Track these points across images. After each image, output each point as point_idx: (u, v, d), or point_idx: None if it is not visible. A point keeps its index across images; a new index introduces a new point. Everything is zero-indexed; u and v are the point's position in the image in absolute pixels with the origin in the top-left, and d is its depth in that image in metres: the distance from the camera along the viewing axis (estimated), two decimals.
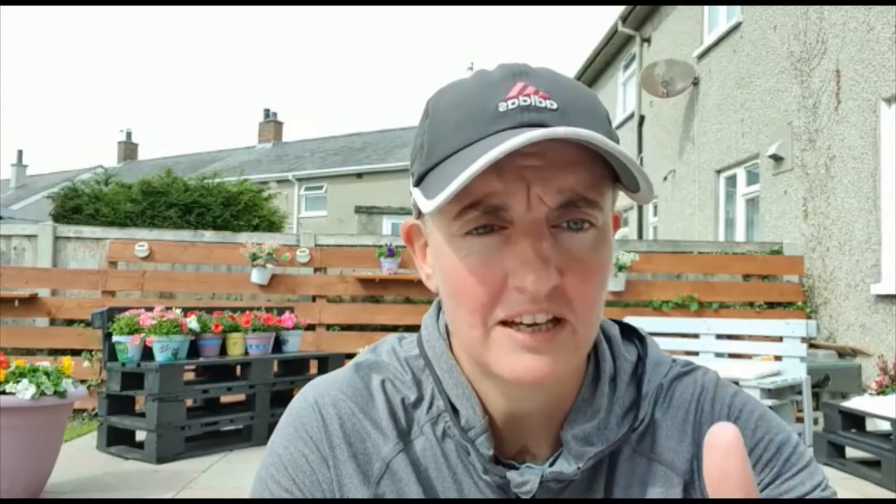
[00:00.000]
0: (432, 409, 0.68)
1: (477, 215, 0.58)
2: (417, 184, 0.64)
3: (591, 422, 0.65)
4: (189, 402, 4.53)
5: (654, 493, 0.66)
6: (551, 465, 0.65)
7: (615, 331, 0.73)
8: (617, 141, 0.60)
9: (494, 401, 0.66)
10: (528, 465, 0.66)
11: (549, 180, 0.58)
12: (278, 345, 4.99)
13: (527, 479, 0.63)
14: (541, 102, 0.59)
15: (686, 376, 0.71)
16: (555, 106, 0.59)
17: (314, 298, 6.31)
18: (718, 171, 8.78)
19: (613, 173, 0.61)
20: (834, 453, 4.15)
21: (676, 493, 0.66)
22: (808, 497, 0.67)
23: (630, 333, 0.74)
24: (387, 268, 6.21)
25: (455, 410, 0.67)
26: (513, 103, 0.59)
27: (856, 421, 4.14)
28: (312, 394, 0.71)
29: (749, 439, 0.66)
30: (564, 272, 0.59)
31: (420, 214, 0.67)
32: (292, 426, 0.70)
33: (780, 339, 4.97)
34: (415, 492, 0.66)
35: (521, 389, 0.63)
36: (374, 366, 0.72)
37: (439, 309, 0.72)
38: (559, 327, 0.60)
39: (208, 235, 6.49)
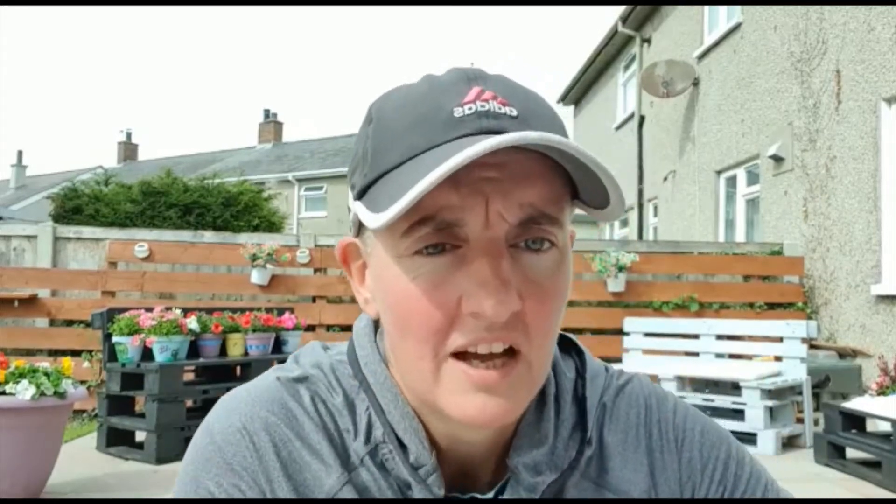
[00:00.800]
0: (371, 440, 0.61)
1: (428, 232, 0.52)
2: (359, 197, 0.57)
3: (540, 449, 0.61)
4: (189, 403, 4.52)
5: None
6: (497, 493, 0.62)
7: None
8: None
9: (437, 434, 0.60)
10: (472, 495, 0.62)
11: (509, 194, 0.52)
12: (278, 345, 4.99)
13: None
14: (500, 108, 0.53)
15: (625, 389, 0.68)
16: (514, 113, 0.54)
17: (314, 299, 6.31)
18: (719, 172, 8.78)
19: (572, 189, 0.56)
20: (834, 454, 4.15)
21: None
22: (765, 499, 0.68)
23: (566, 345, 0.69)
24: None
25: (401, 445, 0.59)
26: (470, 108, 0.53)
27: (856, 422, 4.14)
28: (238, 417, 0.61)
29: (698, 461, 0.66)
30: (524, 297, 0.53)
31: (360, 232, 0.60)
32: (220, 458, 0.60)
33: (781, 339, 4.97)
34: None
35: (471, 430, 0.58)
36: (301, 380, 0.63)
37: (376, 327, 0.65)
38: (514, 362, 0.54)
39: (208, 236, 6.49)
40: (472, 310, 0.52)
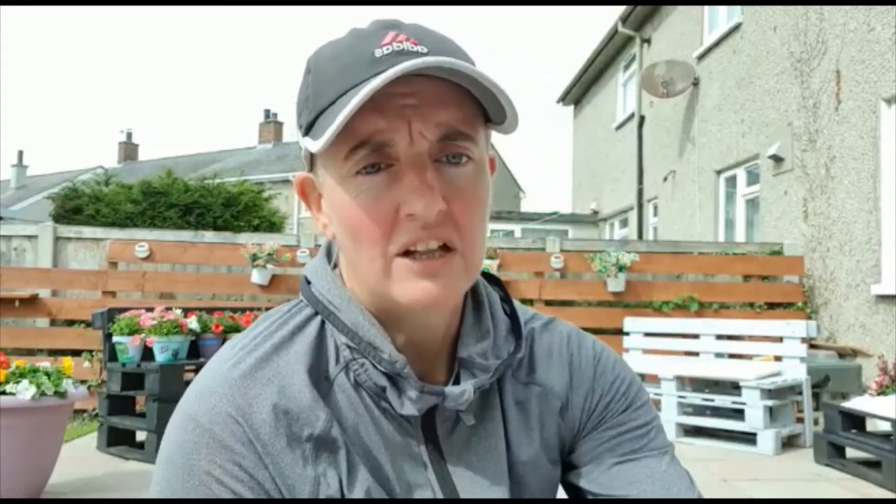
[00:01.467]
0: (339, 362, 0.70)
1: (366, 153, 0.63)
2: (305, 133, 0.67)
3: (484, 341, 0.73)
4: None
5: (534, 409, 0.77)
6: (453, 383, 0.72)
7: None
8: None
9: (395, 335, 0.70)
10: (437, 387, 0.70)
11: (427, 117, 0.62)
12: None
13: (463, 390, 0.69)
14: (412, 48, 0.63)
15: (551, 325, 0.83)
16: (425, 50, 0.63)
17: None
18: (718, 172, 8.78)
19: (485, 113, 0.67)
20: (834, 454, 4.15)
21: (554, 411, 0.78)
22: (648, 426, 0.80)
23: (491, 280, 0.82)
24: None
25: (373, 348, 0.68)
26: (387, 49, 0.63)
27: (856, 421, 4.14)
28: (217, 399, 0.66)
29: (609, 374, 0.81)
30: (449, 201, 0.64)
31: (312, 167, 0.70)
32: (209, 439, 0.65)
33: (781, 339, 4.97)
34: (346, 455, 0.67)
35: (419, 316, 0.68)
36: (259, 334, 0.71)
37: (328, 259, 0.76)
38: (450, 255, 0.65)
39: (208, 236, 6.49)
40: (406, 212, 0.62)
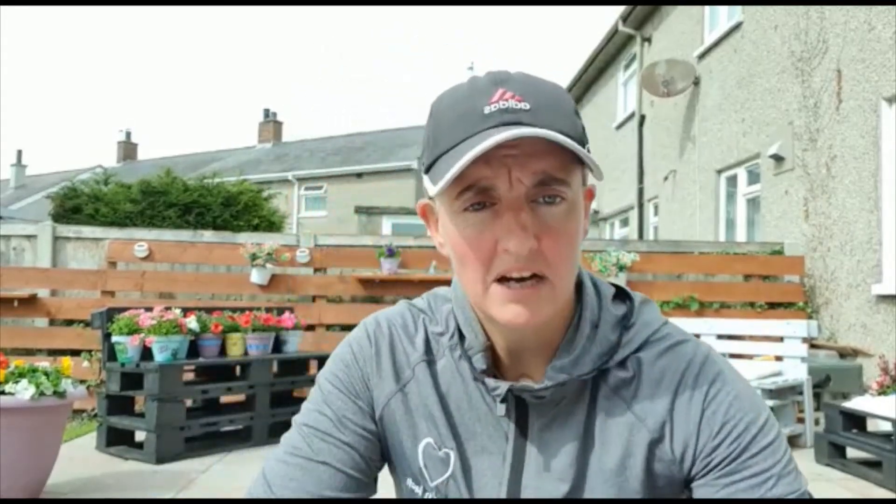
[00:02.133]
0: (452, 339, 0.89)
1: (472, 195, 0.75)
2: (426, 171, 0.79)
3: (567, 357, 0.82)
4: (189, 403, 4.52)
5: (619, 433, 0.81)
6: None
7: (608, 290, 0.89)
8: (580, 127, 0.78)
9: (497, 339, 0.85)
10: (521, 384, 0.84)
11: (525, 165, 0.73)
12: (278, 345, 4.98)
13: (499, 384, 0.83)
14: (516, 105, 0.74)
15: (678, 347, 0.85)
16: (528, 107, 0.74)
17: (314, 299, 6.30)
18: (719, 171, 8.77)
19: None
20: (835, 454, 4.14)
21: (641, 444, 0.81)
22: (765, 474, 0.77)
23: (623, 295, 0.90)
24: (387, 268, 6.19)
25: (462, 338, 0.87)
26: (495, 107, 0.74)
27: (857, 421, 4.13)
28: (373, 319, 0.96)
29: (720, 416, 0.80)
30: (541, 237, 0.75)
31: (431, 195, 0.82)
32: (353, 338, 0.94)
33: (781, 339, 4.96)
34: (432, 396, 0.88)
35: (512, 331, 0.81)
36: (416, 309, 0.95)
37: None
38: (540, 283, 0.76)
39: (208, 235, 6.48)
40: (503, 248, 0.75)
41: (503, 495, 0.84)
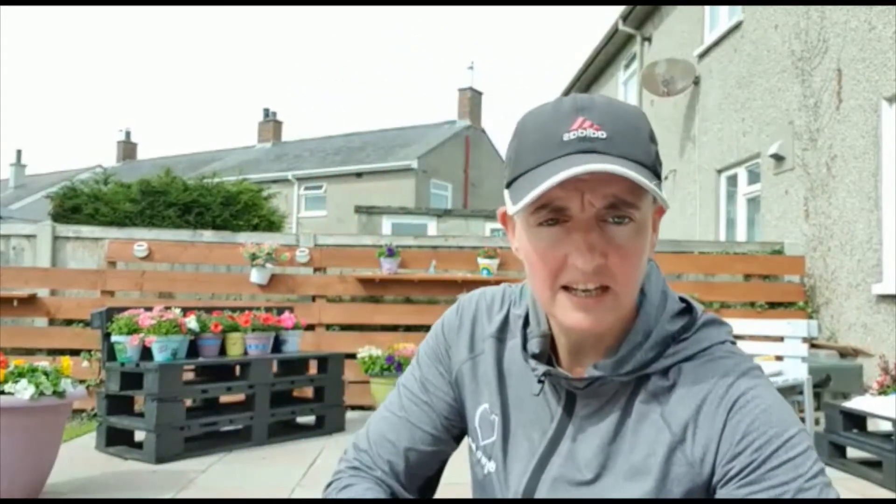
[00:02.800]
0: (520, 322, 0.98)
1: (546, 213, 0.81)
2: (507, 187, 0.87)
3: (611, 359, 0.88)
4: (188, 402, 4.51)
5: (646, 435, 0.85)
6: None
7: (675, 306, 0.93)
8: (654, 153, 0.86)
9: (560, 335, 0.93)
10: (563, 372, 0.92)
11: (596, 190, 0.79)
12: (278, 345, 4.98)
13: (539, 367, 0.91)
14: (594, 133, 0.80)
15: (724, 359, 0.87)
16: (604, 135, 0.80)
17: (314, 298, 6.30)
18: (719, 171, 8.76)
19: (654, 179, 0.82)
20: (835, 453, 4.14)
21: (661, 446, 0.84)
22: (784, 486, 0.77)
23: (686, 312, 0.94)
24: (387, 268, 6.19)
25: (528, 323, 0.96)
26: (574, 134, 0.80)
27: (857, 421, 4.13)
28: (468, 295, 1.07)
29: (744, 426, 0.80)
30: (608, 255, 0.81)
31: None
32: (447, 311, 1.07)
33: (782, 339, 4.95)
34: (493, 368, 0.99)
35: (575, 332, 0.88)
36: (511, 291, 1.04)
37: None
38: (605, 294, 0.82)
39: (207, 235, 6.47)
40: (571, 263, 0.81)
41: (530, 468, 0.92)
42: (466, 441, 1.05)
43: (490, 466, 0.97)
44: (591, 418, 0.90)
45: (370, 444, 1.03)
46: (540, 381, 0.93)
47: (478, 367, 1.00)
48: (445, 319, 1.06)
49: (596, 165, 0.76)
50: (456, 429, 1.04)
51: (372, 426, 1.05)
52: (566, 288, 0.83)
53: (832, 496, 0.78)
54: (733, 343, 0.92)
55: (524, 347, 0.95)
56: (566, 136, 0.80)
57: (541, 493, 0.91)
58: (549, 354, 0.94)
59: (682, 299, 0.95)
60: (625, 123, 0.83)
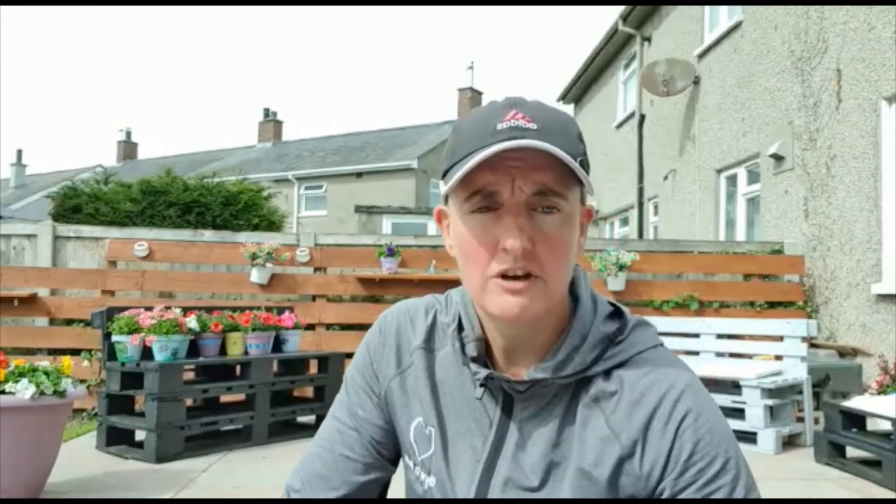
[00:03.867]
0: (453, 331, 0.98)
1: (479, 199, 0.84)
2: (443, 177, 0.89)
3: (551, 362, 0.89)
4: (189, 402, 4.52)
5: (593, 442, 0.87)
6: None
7: (605, 309, 0.95)
8: (582, 151, 0.86)
9: (496, 336, 0.93)
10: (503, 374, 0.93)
11: (527, 176, 0.82)
12: (278, 344, 4.98)
13: (480, 370, 0.92)
14: (525, 124, 0.83)
15: (664, 370, 0.89)
16: (535, 127, 0.83)
17: (314, 298, 6.30)
18: (719, 171, 8.77)
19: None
20: (834, 453, 4.14)
21: (611, 456, 0.86)
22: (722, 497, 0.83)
23: (619, 315, 0.96)
24: (387, 267, 6.20)
25: (462, 328, 0.96)
26: (506, 124, 0.84)
27: (856, 420, 4.13)
28: (388, 310, 1.06)
29: (693, 445, 0.84)
30: (536, 242, 0.83)
31: (446, 201, 0.93)
32: (370, 330, 1.06)
33: (781, 338, 4.96)
34: (424, 380, 0.98)
35: (509, 325, 0.89)
36: (434, 300, 1.05)
37: None
38: (532, 280, 0.84)
39: (208, 235, 6.48)
40: (502, 246, 0.83)
41: (478, 473, 0.92)
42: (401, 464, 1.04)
43: (430, 481, 0.96)
44: (531, 421, 0.91)
45: (304, 484, 1.01)
46: (482, 385, 0.93)
47: (406, 381, 0.99)
48: (369, 338, 1.05)
49: (526, 142, 0.80)
50: (390, 451, 1.03)
51: (306, 465, 1.03)
52: (497, 276, 0.85)
53: None
54: (662, 345, 0.95)
55: (463, 352, 0.95)
56: (499, 126, 0.83)
57: (494, 496, 0.91)
58: (484, 359, 0.94)
59: (609, 303, 0.97)
60: (555, 120, 0.86)
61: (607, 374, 0.90)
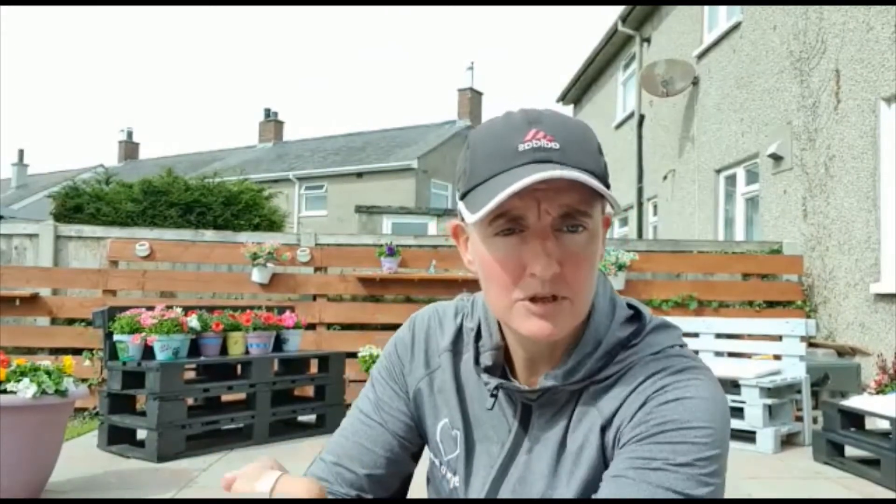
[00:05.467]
0: (472, 339, 0.98)
1: (503, 223, 0.82)
2: (462, 198, 0.87)
3: (563, 368, 0.90)
4: (190, 401, 4.53)
5: (582, 430, 0.88)
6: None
7: (623, 313, 0.94)
8: (603, 164, 0.85)
9: (516, 347, 0.93)
10: (516, 383, 0.94)
11: (552, 199, 0.81)
12: (279, 344, 5.00)
13: (491, 380, 0.93)
14: (547, 144, 0.82)
15: (670, 358, 0.88)
16: (557, 146, 0.82)
17: (315, 298, 6.32)
18: (718, 171, 8.78)
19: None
20: (833, 452, 4.15)
21: (595, 432, 0.87)
22: (656, 461, 0.79)
23: (636, 318, 0.95)
24: (387, 267, 6.21)
25: (480, 336, 0.97)
26: (528, 145, 0.82)
27: (855, 420, 4.14)
28: (420, 311, 1.07)
29: (656, 405, 0.83)
30: (564, 263, 0.82)
31: (463, 218, 0.90)
32: (400, 330, 1.07)
33: (780, 338, 4.98)
34: (451, 382, 0.99)
35: (530, 341, 0.89)
36: (463, 304, 1.04)
37: None
38: (560, 302, 0.83)
39: (209, 235, 6.50)
40: (529, 272, 0.82)
41: (490, 478, 0.94)
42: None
43: (455, 481, 0.98)
44: (545, 427, 0.92)
45: (328, 473, 1.00)
46: (493, 395, 0.94)
47: (434, 382, 1.01)
48: (398, 338, 1.06)
49: (556, 172, 0.78)
50: (414, 447, 1.04)
51: (327, 452, 1.03)
52: (524, 299, 0.84)
53: (693, 491, 0.77)
54: (683, 346, 0.92)
55: (476, 361, 0.96)
56: (521, 147, 0.82)
57: None
58: (503, 367, 0.95)
59: (630, 306, 0.95)
60: (575, 135, 0.85)
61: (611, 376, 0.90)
